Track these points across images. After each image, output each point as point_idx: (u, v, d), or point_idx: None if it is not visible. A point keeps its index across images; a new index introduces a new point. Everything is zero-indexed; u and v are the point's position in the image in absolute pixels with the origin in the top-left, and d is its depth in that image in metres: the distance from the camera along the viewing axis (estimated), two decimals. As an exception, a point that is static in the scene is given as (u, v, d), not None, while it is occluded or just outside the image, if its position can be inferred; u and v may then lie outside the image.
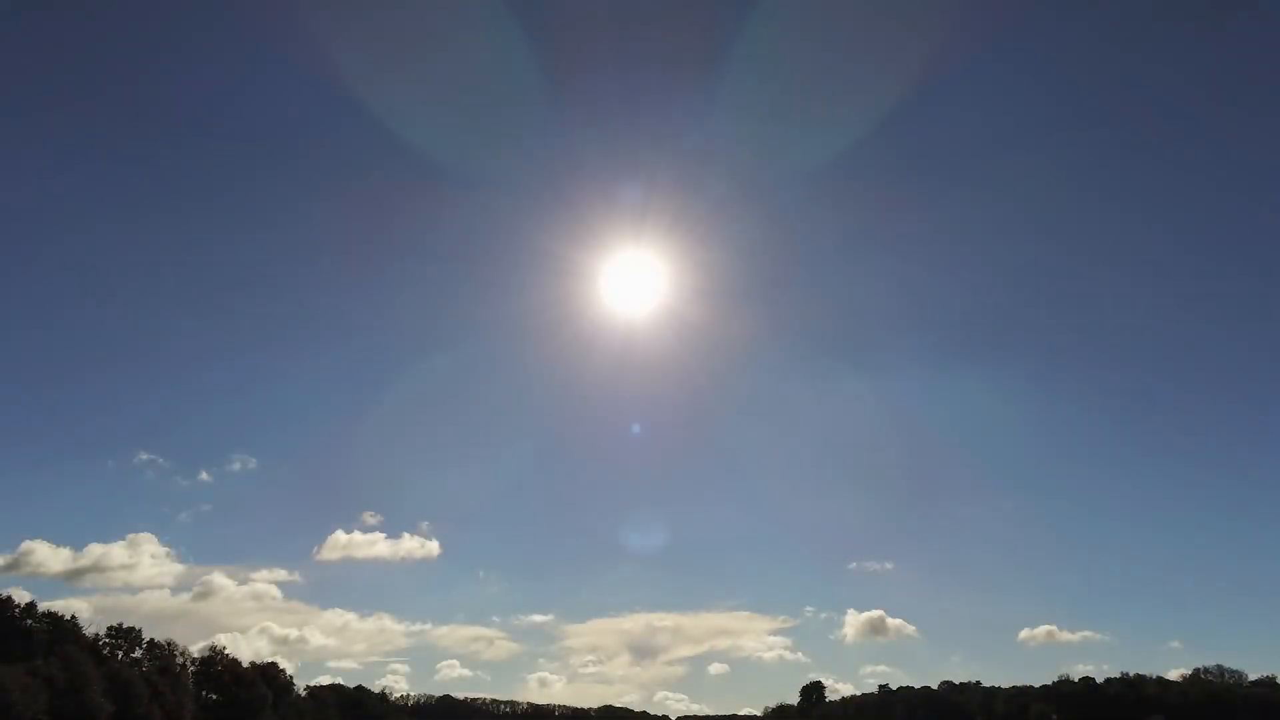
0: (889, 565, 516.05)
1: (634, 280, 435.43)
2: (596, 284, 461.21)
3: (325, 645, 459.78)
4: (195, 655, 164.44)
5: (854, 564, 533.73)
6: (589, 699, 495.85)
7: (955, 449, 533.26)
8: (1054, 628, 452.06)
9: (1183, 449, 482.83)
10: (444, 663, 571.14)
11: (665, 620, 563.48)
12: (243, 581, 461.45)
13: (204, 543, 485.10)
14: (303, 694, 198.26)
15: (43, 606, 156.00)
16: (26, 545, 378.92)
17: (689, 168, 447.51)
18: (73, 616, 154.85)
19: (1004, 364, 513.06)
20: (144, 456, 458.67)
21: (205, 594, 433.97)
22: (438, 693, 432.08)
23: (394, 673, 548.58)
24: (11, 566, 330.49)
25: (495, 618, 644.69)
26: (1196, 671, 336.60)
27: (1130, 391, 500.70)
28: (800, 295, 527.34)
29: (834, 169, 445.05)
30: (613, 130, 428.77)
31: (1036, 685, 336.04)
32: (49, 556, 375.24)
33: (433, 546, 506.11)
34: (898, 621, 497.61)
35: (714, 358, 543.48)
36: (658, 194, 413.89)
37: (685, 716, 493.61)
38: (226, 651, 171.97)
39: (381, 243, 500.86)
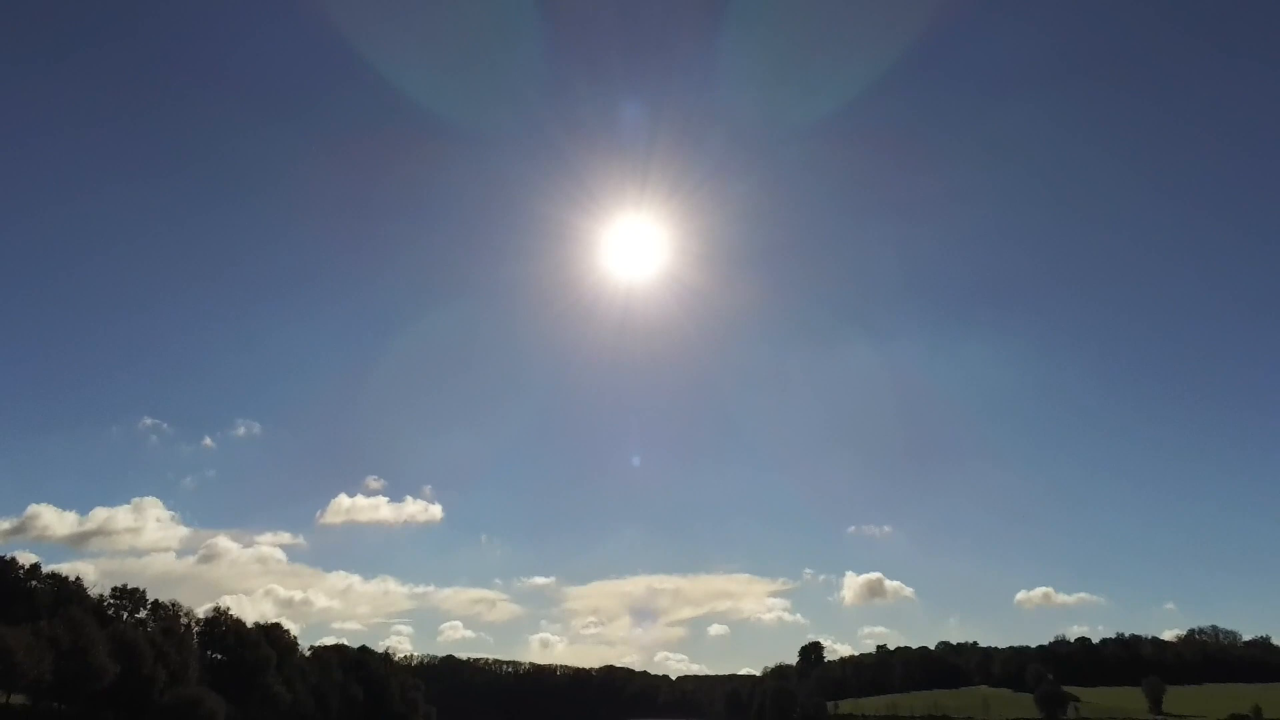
0: (887, 529, 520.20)
1: (634, 246, 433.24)
2: (597, 249, 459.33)
3: (329, 607, 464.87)
4: (200, 617, 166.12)
5: (853, 528, 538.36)
6: (590, 660, 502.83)
7: (955, 414, 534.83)
8: (1050, 590, 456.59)
9: (1179, 416, 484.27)
10: (447, 624, 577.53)
11: (666, 583, 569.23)
12: (247, 545, 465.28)
13: (208, 507, 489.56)
14: (307, 655, 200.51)
15: (47, 569, 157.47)
16: (32, 509, 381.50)
17: (689, 129, 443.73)
18: (77, 578, 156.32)
19: (1005, 329, 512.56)
20: (148, 422, 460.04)
21: (210, 557, 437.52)
22: (441, 653, 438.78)
23: (398, 634, 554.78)
24: (18, 530, 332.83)
25: (497, 580, 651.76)
26: (1191, 633, 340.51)
27: (1128, 358, 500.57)
28: (802, 261, 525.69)
29: (835, 128, 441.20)
30: (612, 92, 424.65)
31: (1033, 646, 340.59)
32: (55, 521, 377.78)
33: (436, 510, 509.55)
34: (896, 584, 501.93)
35: (715, 323, 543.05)
36: (658, 157, 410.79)
37: (685, 676, 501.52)
38: (231, 613, 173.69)
39: (381, 204, 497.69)
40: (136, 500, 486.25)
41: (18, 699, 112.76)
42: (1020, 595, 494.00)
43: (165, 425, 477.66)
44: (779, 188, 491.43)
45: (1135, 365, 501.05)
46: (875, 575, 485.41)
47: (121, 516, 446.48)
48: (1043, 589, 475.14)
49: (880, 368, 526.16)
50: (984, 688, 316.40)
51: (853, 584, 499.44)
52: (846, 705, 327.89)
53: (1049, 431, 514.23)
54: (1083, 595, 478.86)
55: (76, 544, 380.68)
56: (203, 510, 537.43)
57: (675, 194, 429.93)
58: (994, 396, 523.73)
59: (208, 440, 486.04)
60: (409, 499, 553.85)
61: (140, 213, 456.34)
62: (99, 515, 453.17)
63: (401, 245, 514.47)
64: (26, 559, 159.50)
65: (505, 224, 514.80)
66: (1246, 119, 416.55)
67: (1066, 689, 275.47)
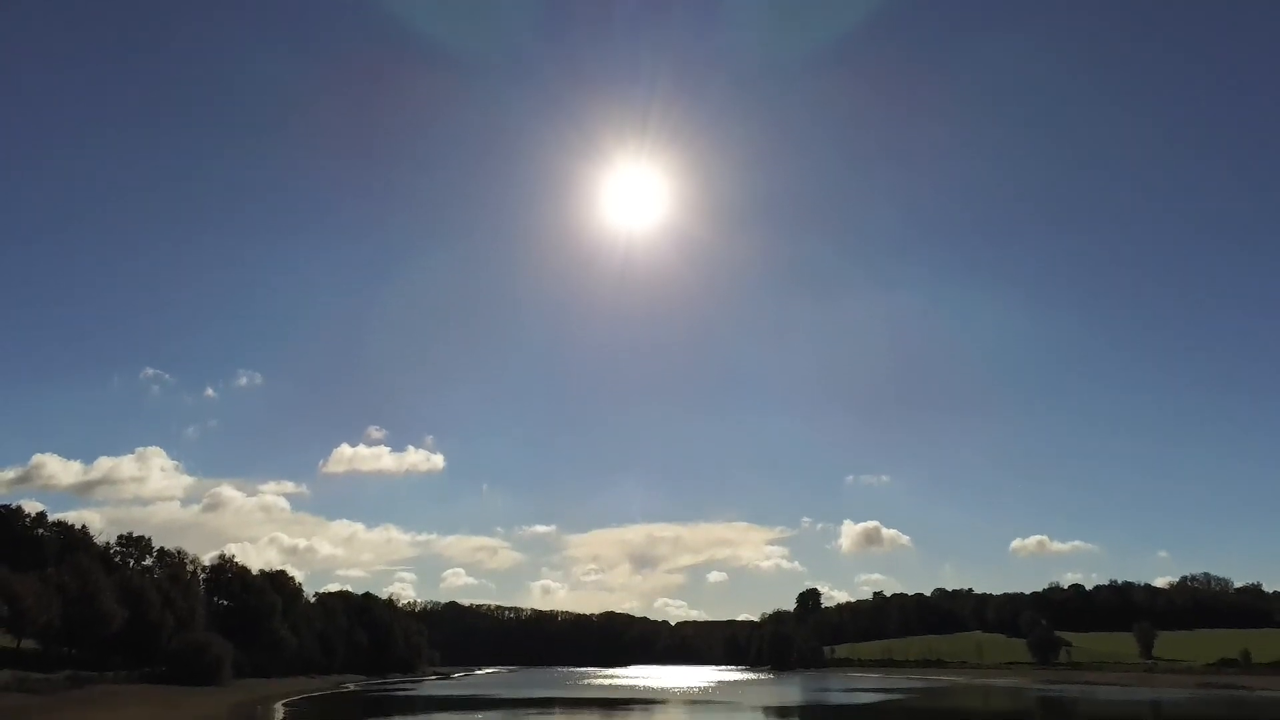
0: (885, 478, 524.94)
1: (634, 194, 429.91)
2: (597, 198, 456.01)
3: (333, 555, 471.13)
4: (205, 564, 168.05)
5: (851, 477, 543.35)
6: (591, 606, 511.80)
7: (954, 364, 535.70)
8: (1045, 538, 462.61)
9: (1175, 366, 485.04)
10: (449, 571, 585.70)
11: (665, 531, 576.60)
12: (251, 494, 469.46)
13: (211, 456, 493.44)
14: (312, 601, 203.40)
15: (53, 517, 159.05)
16: (37, 459, 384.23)
17: (690, 73, 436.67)
18: (83, 527, 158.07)
19: (1005, 280, 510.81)
20: (149, 372, 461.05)
21: (214, 506, 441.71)
22: (444, 600, 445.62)
23: (401, 581, 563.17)
24: (23, 480, 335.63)
25: (499, 529, 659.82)
26: (1184, 580, 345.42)
27: (1125, 309, 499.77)
28: (803, 209, 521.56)
29: (837, 68, 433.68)
30: (612, 34, 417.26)
31: (1027, 593, 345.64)
32: (60, 470, 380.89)
33: (437, 460, 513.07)
34: (892, 532, 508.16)
35: (715, 273, 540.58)
36: (658, 102, 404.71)
37: (685, 622, 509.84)
38: (236, 560, 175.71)
39: (380, 148, 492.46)
40: (140, 450, 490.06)
41: (28, 644, 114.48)
42: (1015, 543, 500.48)
43: (167, 376, 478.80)
44: (781, 133, 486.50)
45: (1131, 316, 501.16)
46: (873, 524, 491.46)
47: (125, 466, 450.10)
48: (1038, 537, 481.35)
49: (880, 317, 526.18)
50: (978, 633, 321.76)
51: (850, 532, 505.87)
52: (843, 650, 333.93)
53: (1047, 382, 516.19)
54: (1077, 543, 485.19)
55: (81, 493, 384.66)
56: (206, 459, 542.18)
57: (676, 140, 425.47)
58: (993, 347, 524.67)
59: (209, 390, 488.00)
60: (410, 449, 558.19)
61: (134, 160, 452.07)
62: (103, 464, 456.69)
63: (401, 190, 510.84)
64: (32, 507, 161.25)
65: (505, 171, 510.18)
66: (1255, 60, 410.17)
67: (1059, 634, 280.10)
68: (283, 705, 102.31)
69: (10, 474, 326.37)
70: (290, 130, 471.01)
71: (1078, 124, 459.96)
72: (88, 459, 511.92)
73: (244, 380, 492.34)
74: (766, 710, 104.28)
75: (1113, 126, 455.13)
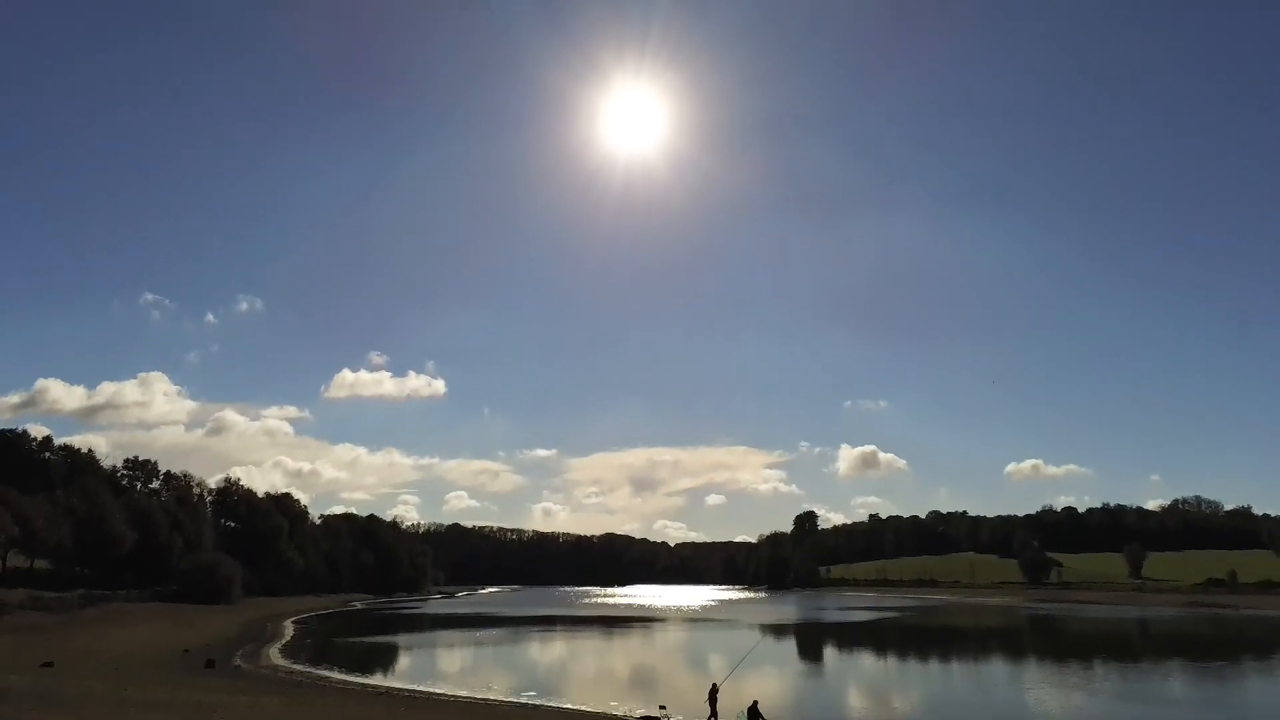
0: (883, 404, 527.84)
1: (634, 117, 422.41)
2: (596, 122, 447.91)
3: (337, 478, 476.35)
4: (211, 487, 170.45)
5: (849, 402, 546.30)
6: (592, 528, 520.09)
7: (952, 290, 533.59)
8: (1040, 462, 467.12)
9: (1170, 294, 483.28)
10: (452, 494, 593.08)
11: (665, 455, 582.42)
12: (254, 418, 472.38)
13: (214, 382, 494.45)
14: (318, 523, 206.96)
15: (59, 441, 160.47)
16: (41, 384, 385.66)
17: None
18: (89, 451, 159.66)
19: (1005, 203, 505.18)
20: (149, 298, 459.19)
21: (218, 430, 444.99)
22: (447, 522, 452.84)
23: (404, 503, 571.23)
24: (27, 404, 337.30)
25: (500, 452, 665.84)
26: (1175, 502, 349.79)
27: (1121, 237, 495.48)
28: (804, 133, 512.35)
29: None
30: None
31: (1020, 515, 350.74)
32: (63, 395, 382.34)
33: (438, 385, 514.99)
34: (889, 456, 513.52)
35: (715, 197, 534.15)
36: (658, 19, 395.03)
37: (684, 543, 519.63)
38: (242, 483, 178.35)
39: (377, 67, 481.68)
40: (143, 375, 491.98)
41: (41, 564, 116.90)
42: (1010, 467, 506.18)
43: (167, 301, 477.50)
44: (781, 50, 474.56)
45: (1127, 245, 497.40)
46: (869, 448, 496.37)
47: (129, 391, 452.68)
48: (1032, 461, 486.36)
49: (881, 242, 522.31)
50: (971, 554, 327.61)
51: (848, 456, 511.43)
52: (838, 570, 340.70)
53: (1043, 308, 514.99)
54: (1071, 467, 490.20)
55: (86, 417, 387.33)
56: (208, 385, 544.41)
57: (676, 59, 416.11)
58: (991, 273, 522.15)
59: (210, 316, 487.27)
60: (411, 374, 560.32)
61: (131, 80, 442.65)
62: (106, 390, 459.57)
63: (398, 111, 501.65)
64: (39, 431, 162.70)
65: (502, 91, 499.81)
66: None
67: (1051, 556, 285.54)
68: (293, 622, 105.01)
69: (15, 399, 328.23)
70: (288, 47, 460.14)
71: (1087, 40, 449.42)
72: (90, 384, 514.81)
73: (244, 306, 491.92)
74: (764, 628, 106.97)
75: (1124, 46, 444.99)
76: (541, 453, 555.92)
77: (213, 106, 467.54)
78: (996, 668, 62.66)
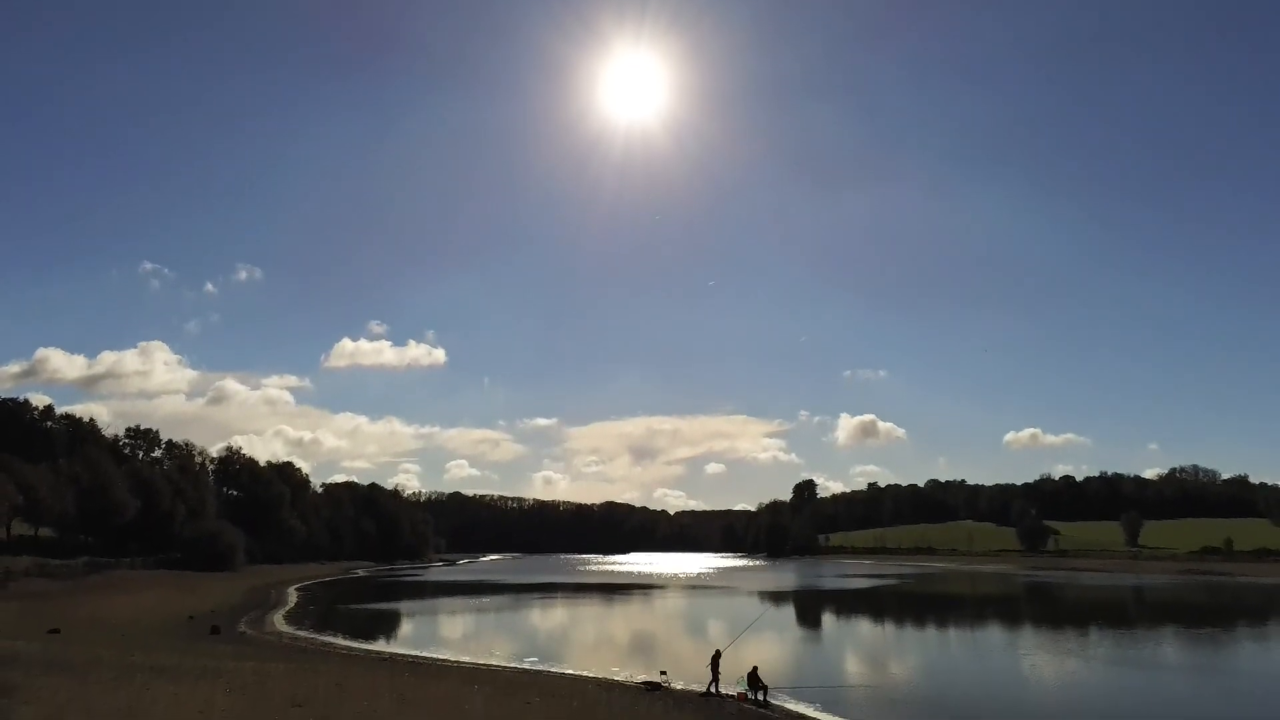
0: (883, 373, 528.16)
1: (634, 84, 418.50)
2: (596, 88, 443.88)
3: (338, 447, 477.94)
4: (213, 456, 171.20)
5: (849, 371, 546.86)
6: (592, 496, 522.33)
7: (953, 259, 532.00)
8: (1038, 431, 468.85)
9: (1170, 262, 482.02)
10: (453, 463, 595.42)
11: (665, 424, 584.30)
12: (254, 388, 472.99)
13: (214, 351, 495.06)
14: (319, 491, 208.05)
15: (60, 411, 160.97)
16: (41, 353, 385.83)
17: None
18: (91, 420, 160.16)
19: (1007, 168, 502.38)
20: (148, 267, 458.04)
21: (219, 399, 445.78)
22: (448, 490, 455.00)
23: (405, 472, 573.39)
24: (28, 374, 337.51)
25: (501, 421, 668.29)
26: (1173, 471, 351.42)
27: (1121, 205, 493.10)
28: (804, 100, 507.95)
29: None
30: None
31: (1019, 484, 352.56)
32: (64, 364, 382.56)
33: (438, 354, 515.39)
34: (888, 425, 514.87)
35: (715, 165, 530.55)
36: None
37: (683, 511, 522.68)
38: (243, 452, 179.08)
39: (373, 33, 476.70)
40: (142, 344, 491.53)
41: (46, 532, 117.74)
42: (1009, 436, 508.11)
43: (165, 270, 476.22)
44: (784, 15, 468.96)
45: (1126, 213, 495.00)
46: (869, 417, 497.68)
47: (129, 360, 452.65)
48: (1031, 430, 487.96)
49: (881, 209, 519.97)
50: (969, 522, 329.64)
51: (847, 425, 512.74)
52: (837, 538, 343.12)
53: (1042, 277, 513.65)
54: (1070, 436, 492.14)
55: (86, 386, 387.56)
56: (209, 354, 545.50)
57: (676, 24, 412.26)
58: (991, 241, 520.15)
59: (209, 286, 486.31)
60: (411, 343, 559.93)
61: (124, 41, 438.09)
62: (107, 359, 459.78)
63: (394, 75, 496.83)
64: (40, 400, 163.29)
65: (500, 57, 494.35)
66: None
67: (1048, 524, 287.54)
68: (296, 589, 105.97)
69: (15, 368, 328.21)
70: (283, 11, 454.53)
71: (1092, 1, 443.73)
72: (91, 353, 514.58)
73: (243, 275, 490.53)
74: (762, 595, 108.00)
75: (1128, 7, 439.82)
76: (541, 422, 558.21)
77: (208, 73, 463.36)
78: (992, 634, 63.37)
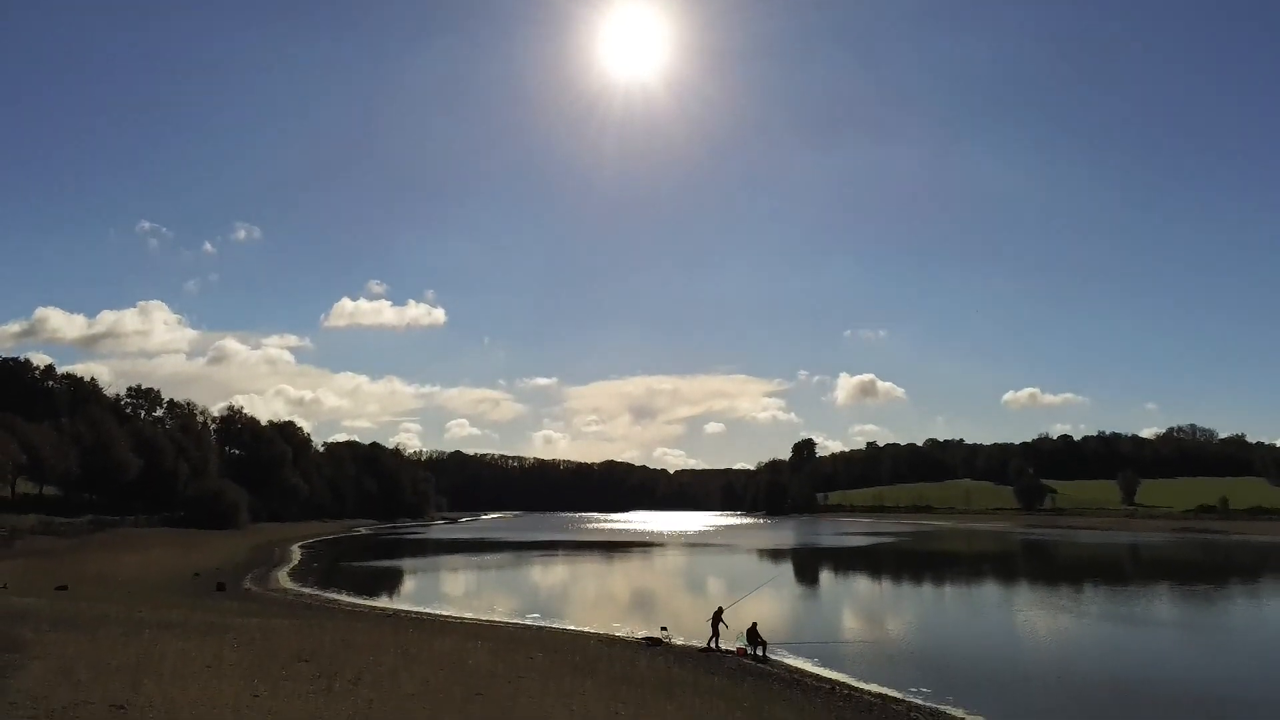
0: (882, 333, 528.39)
1: (633, 40, 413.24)
2: (595, 44, 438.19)
3: (339, 406, 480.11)
4: (215, 415, 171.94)
5: (849, 331, 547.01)
6: (592, 455, 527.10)
7: (953, 218, 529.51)
8: (1037, 391, 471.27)
9: (1169, 223, 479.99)
10: (453, 422, 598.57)
11: (664, 383, 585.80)
12: (255, 347, 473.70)
13: (214, 310, 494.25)
14: (321, 450, 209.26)
15: (61, 370, 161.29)
16: (41, 312, 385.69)
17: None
18: (92, 379, 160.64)
19: (1009, 126, 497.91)
20: (145, 225, 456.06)
21: (219, 359, 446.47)
22: (449, 449, 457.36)
23: (406, 431, 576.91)
24: (28, 333, 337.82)
25: (501, 381, 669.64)
26: (1170, 431, 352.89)
27: (1123, 165, 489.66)
28: (806, 55, 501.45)
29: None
30: None
31: (1017, 443, 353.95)
32: (64, 323, 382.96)
33: (438, 314, 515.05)
34: (887, 385, 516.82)
35: (715, 123, 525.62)
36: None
37: (683, 470, 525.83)
38: (245, 411, 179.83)
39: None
40: (142, 304, 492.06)
41: (50, 491, 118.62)
42: (1008, 395, 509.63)
43: (164, 229, 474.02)
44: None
45: (1128, 173, 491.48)
46: (868, 377, 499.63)
47: (129, 319, 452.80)
48: (1030, 389, 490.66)
49: (882, 170, 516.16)
50: (967, 481, 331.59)
51: (846, 385, 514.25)
52: (835, 497, 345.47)
53: (1042, 236, 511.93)
54: (1068, 395, 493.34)
55: (86, 346, 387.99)
56: (208, 313, 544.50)
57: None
58: (992, 200, 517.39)
59: (208, 245, 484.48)
60: (411, 303, 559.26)
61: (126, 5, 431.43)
62: (106, 318, 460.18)
63: (391, 27, 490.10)
64: (40, 360, 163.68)
65: (499, 11, 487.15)
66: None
67: (1046, 483, 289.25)
68: (299, 547, 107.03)
69: (15, 328, 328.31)
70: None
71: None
72: (90, 312, 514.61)
73: (242, 234, 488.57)
74: (761, 552, 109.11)
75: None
76: (541, 381, 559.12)
77: (204, 29, 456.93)
78: (988, 591, 64.16)
